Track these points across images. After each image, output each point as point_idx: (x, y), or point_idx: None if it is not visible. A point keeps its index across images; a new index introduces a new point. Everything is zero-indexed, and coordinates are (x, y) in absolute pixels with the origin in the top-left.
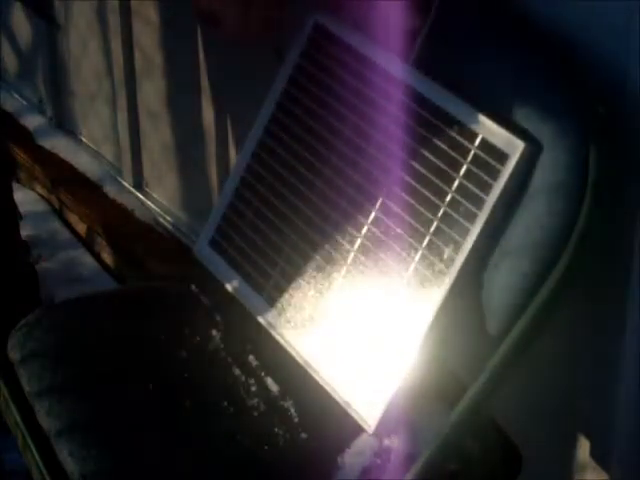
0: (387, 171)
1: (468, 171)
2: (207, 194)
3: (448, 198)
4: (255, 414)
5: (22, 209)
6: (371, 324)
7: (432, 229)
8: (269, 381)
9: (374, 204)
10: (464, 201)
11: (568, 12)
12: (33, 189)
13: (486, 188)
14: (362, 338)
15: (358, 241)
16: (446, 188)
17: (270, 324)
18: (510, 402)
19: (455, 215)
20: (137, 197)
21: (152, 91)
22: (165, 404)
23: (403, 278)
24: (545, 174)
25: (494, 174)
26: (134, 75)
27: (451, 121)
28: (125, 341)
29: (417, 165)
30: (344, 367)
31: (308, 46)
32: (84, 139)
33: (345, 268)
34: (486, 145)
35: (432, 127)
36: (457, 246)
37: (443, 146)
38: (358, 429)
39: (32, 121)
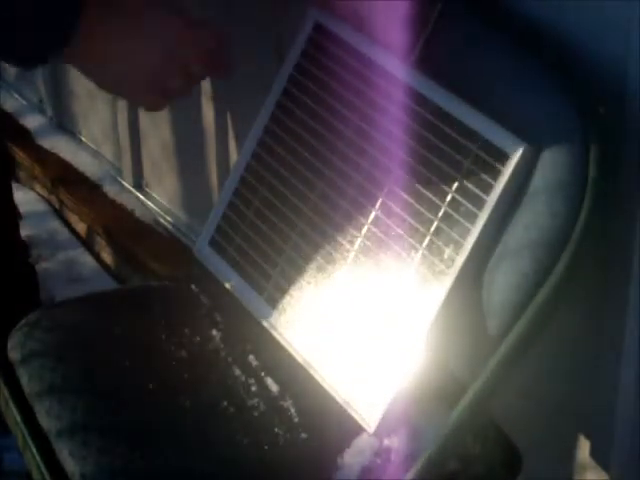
0: (387, 171)
1: (468, 171)
2: (207, 194)
3: (448, 198)
4: (255, 414)
5: (22, 209)
6: (372, 324)
7: (432, 229)
8: (269, 381)
9: (374, 204)
10: (464, 201)
11: (568, 12)
12: (33, 189)
13: (486, 188)
14: (363, 338)
15: (358, 241)
16: (446, 188)
17: (270, 324)
18: (510, 402)
19: (455, 215)
20: (137, 197)
21: None
22: (165, 404)
23: (403, 278)
24: (545, 174)
25: (494, 174)
26: None
27: (451, 121)
28: (125, 341)
29: (417, 165)
30: (345, 367)
31: (308, 45)
32: (84, 139)
33: (346, 268)
34: (486, 145)
35: (432, 127)
36: (457, 246)
37: (443, 146)
38: (358, 429)
39: (32, 121)
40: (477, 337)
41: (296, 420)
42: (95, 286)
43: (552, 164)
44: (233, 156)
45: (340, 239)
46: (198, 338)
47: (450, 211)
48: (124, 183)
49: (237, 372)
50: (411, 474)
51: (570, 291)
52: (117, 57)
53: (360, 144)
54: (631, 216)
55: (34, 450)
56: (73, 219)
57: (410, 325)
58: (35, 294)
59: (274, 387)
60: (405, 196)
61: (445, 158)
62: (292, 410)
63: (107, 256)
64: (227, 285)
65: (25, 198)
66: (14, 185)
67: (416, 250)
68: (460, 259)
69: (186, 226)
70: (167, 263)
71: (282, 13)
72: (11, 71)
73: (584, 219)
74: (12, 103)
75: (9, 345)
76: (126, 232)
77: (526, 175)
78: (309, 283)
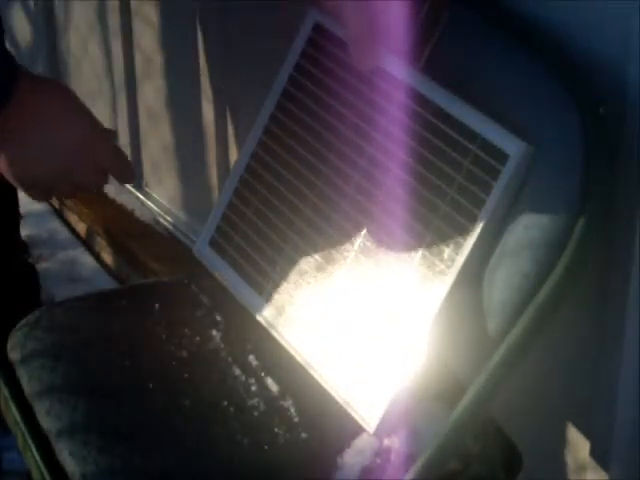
0: (387, 171)
1: (468, 171)
2: (207, 194)
3: (448, 198)
4: (255, 414)
5: (22, 209)
6: (372, 324)
7: (432, 229)
8: (269, 381)
9: (374, 204)
10: (464, 201)
11: (568, 13)
12: None
13: (486, 188)
14: (362, 338)
15: (358, 241)
16: (446, 188)
17: (270, 324)
18: (510, 402)
19: (455, 215)
20: (137, 197)
21: (152, 91)
22: (165, 404)
23: (403, 278)
24: (545, 174)
25: (494, 174)
26: (134, 75)
27: (451, 121)
28: (125, 341)
29: (417, 165)
30: (345, 367)
31: (308, 46)
32: None
33: (345, 268)
34: (486, 145)
35: (432, 127)
36: (457, 246)
37: (443, 146)
38: (358, 429)
39: None
40: (477, 337)
41: (296, 420)
42: (95, 286)
43: (552, 164)
44: (233, 156)
45: (340, 239)
46: (198, 338)
47: (450, 211)
48: None
49: (237, 372)
50: (411, 474)
51: (570, 291)
52: (33, 141)
53: (360, 144)
54: (631, 216)
55: (34, 450)
56: (73, 219)
57: (410, 325)
58: (35, 294)
59: (274, 387)
60: (405, 196)
61: (445, 158)
62: (292, 410)
63: (107, 256)
64: (220, 278)
65: (25, 198)
66: None
67: (416, 250)
68: (460, 259)
69: (186, 226)
70: (167, 263)
71: (283, 13)
72: None
73: (584, 219)
74: None
75: (9, 345)
76: (126, 232)
77: (526, 175)
78: (309, 283)
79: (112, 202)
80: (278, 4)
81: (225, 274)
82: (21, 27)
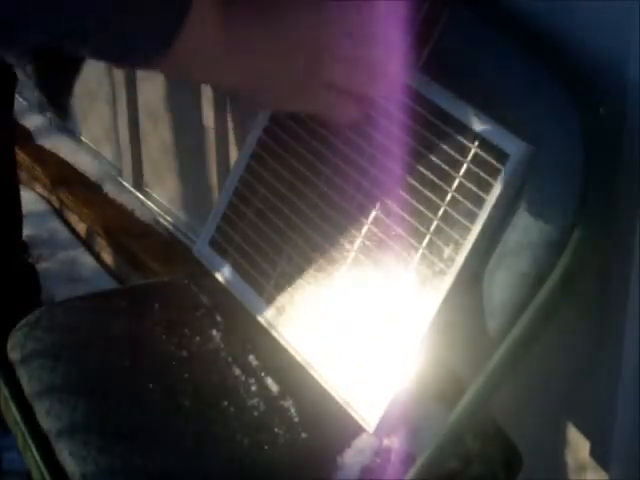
0: (387, 171)
1: (468, 170)
2: (207, 194)
3: (448, 197)
4: (255, 414)
5: (22, 209)
6: (372, 324)
7: (432, 229)
8: (269, 381)
9: (374, 204)
10: (464, 200)
11: (568, 13)
12: (33, 189)
13: (486, 187)
14: (362, 338)
15: (358, 241)
16: (446, 187)
17: (270, 324)
18: (510, 402)
19: (455, 214)
20: (137, 197)
21: (152, 91)
22: (165, 404)
23: (403, 278)
24: (545, 174)
25: (494, 173)
26: (134, 75)
27: (451, 121)
28: (125, 341)
29: (417, 165)
30: (344, 367)
31: None
32: (84, 139)
33: (345, 268)
34: (486, 144)
35: (432, 127)
36: (457, 245)
37: (443, 145)
38: (358, 429)
39: (32, 121)
40: (477, 337)
41: (296, 420)
42: (95, 286)
43: (552, 164)
44: (233, 156)
45: (340, 239)
46: (198, 338)
47: (450, 210)
48: (124, 183)
49: (237, 372)
50: (411, 474)
51: (570, 291)
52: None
53: (360, 143)
54: (631, 216)
55: (34, 450)
56: (73, 219)
57: (410, 324)
58: (35, 294)
59: (274, 387)
60: (405, 195)
61: (445, 157)
62: (292, 410)
63: (107, 256)
64: (220, 278)
65: (25, 198)
66: None
67: (416, 250)
68: (460, 258)
69: (186, 226)
70: (167, 263)
71: None
72: None
73: (584, 219)
74: None
75: (9, 345)
76: (126, 232)
77: (525, 174)
78: (309, 283)
79: (112, 202)
80: None
81: (225, 274)
82: None
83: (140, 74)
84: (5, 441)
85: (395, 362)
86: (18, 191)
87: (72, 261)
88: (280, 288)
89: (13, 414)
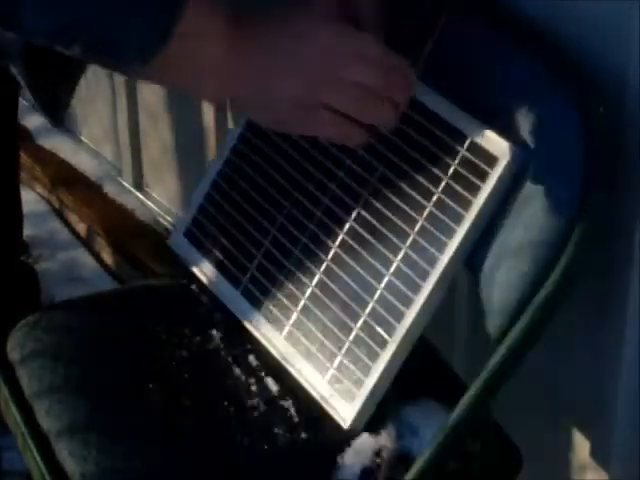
0: (372, 170)
1: (456, 173)
2: None
3: (434, 198)
4: (255, 414)
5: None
6: (351, 320)
7: (417, 229)
8: (269, 381)
9: (358, 202)
10: (451, 202)
11: (568, 13)
12: (33, 189)
13: (474, 190)
14: (341, 334)
15: (340, 238)
16: (433, 189)
17: (245, 317)
18: (510, 402)
19: (441, 215)
20: (137, 197)
21: (152, 91)
22: (165, 404)
23: (385, 276)
24: (545, 174)
25: (482, 176)
26: None
27: (440, 123)
28: (125, 341)
29: (404, 165)
30: (322, 362)
31: None
32: (84, 139)
33: (325, 264)
34: (475, 147)
35: (420, 128)
36: (442, 246)
37: (431, 147)
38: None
39: (32, 121)
40: (477, 337)
41: (296, 420)
42: (95, 286)
43: (552, 164)
44: None
45: (321, 235)
46: (198, 338)
47: (436, 211)
48: (124, 183)
49: (237, 372)
50: (411, 474)
51: (570, 291)
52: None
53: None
54: (631, 216)
55: (34, 450)
56: (73, 219)
57: (390, 322)
58: (35, 294)
59: (274, 387)
60: (389, 195)
61: (432, 159)
62: (292, 410)
63: (107, 256)
64: (195, 270)
65: (25, 198)
66: None
67: (399, 249)
68: (444, 259)
69: None
70: (167, 263)
71: None
72: None
73: (584, 219)
74: None
75: (9, 345)
76: (126, 232)
77: (516, 178)
78: (287, 278)
79: (112, 202)
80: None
81: (200, 266)
82: None
83: None
84: (5, 441)
85: (374, 358)
86: (18, 191)
87: (72, 261)
88: (257, 282)
89: (13, 414)
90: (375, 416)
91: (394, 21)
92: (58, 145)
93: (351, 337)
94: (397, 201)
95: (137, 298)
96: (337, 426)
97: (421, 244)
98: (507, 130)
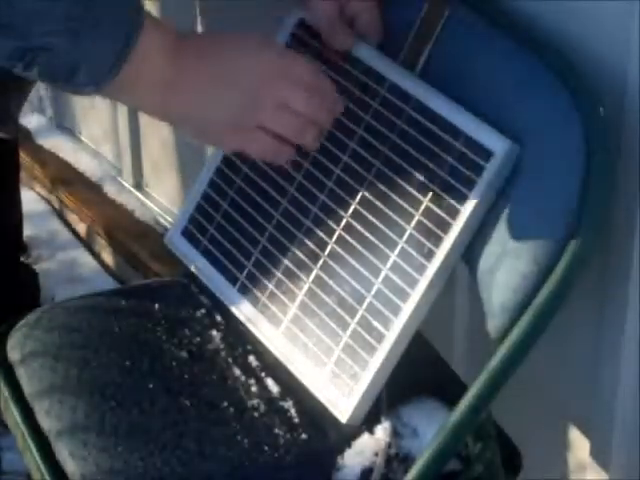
0: (369, 165)
1: (451, 167)
2: None
3: (430, 193)
4: (255, 414)
5: (22, 209)
6: (348, 316)
7: (413, 223)
8: (269, 381)
9: (354, 197)
10: (447, 196)
11: (568, 13)
12: (33, 189)
13: (469, 184)
14: (339, 330)
15: (336, 233)
16: (429, 183)
17: (243, 314)
18: (510, 402)
19: (437, 210)
20: (137, 197)
21: None
22: (165, 404)
23: (382, 271)
24: (545, 174)
25: (478, 170)
26: None
27: (436, 118)
28: (125, 341)
29: (400, 160)
30: (320, 357)
31: (291, 41)
32: (84, 139)
33: (322, 260)
34: (470, 142)
35: (416, 123)
36: (438, 240)
37: (427, 142)
38: (358, 429)
39: (32, 121)
40: (477, 337)
41: (296, 420)
42: (95, 286)
43: (552, 164)
44: None
45: (317, 232)
46: (198, 338)
47: (432, 206)
48: (124, 183)
49: (237, 372)
50: (411, 474)
51: (570, 291)
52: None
53: (341, 138)
54: (631, 216)
55: (34, 450)
56: (73, 219)
57: (387, 318)
58: (35, 294)
59: (274, 387)
60: (385, 190)
61: (428, 154)
62: (292, 410)
63: (107, 256)
64: (192, 268)
65: (25, 198)
66: None
67: (395, 244)
68: (441, 253)
69: None
70: (167, 263)
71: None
72: None
73: (584, 219)
74: None
75: (9, 345)
76: (126, 232)
77: (511, 172)
78: (284, 274)
79: (112, 202)
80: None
81: (197, 264)
82: None
83: None
84: (5, 441)
85: (372, 353)
86: (18, 191)
87: (72, 261)
88: (254, 279)
89: (13, 414)
90: (374, 414)
91: (393, 21)
92: (58, 145)
93: (348, 332)
94: (393, 196)
95: (137, 298)
96: (337, 426)
97: (417, 239)
98: (506, 129)
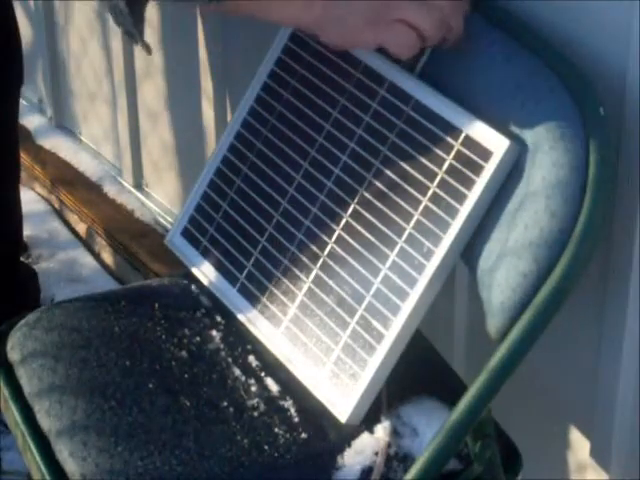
0: (368, 165)
1: (451, 167)
2: None
3: (430, 193)
4: (255, 414)
5: (22, 209)
6: (347, 315)
7: (412, 223)
8: (269, 381)
9: (353, 198)
10: (446, 196)
11: (569, 13)
12: (33, 189)
13: (468, 183)
14: (338, 330)
15: (336, 234)
16: (428, 183)
17: (243, 315)
18: (510, 402)
19: (436, 209)
20: (137, 197)
21: (152, 91)
22: (165, 404)
23: (381, 271)
24: (545, 174)
25: (477, 170)
26: (134, 75)
27: (435, 118)
28: (125, 341)
29: (399, 160)
30: (319, 357)
31: (284, 54)
32: (84, 139)
33: (322, 260)
34: (470, 142)
35: (415, 123)
36: (437, 239)
37: (426, 141)
38: (358, 429)
39: (32, 121)
40: (477, 337)
41: (296, 420)
42: (95, 286)
43: (552, 164)
44: None
45: (317, 231)
46: (198, 338)
47: (431, 205)
48: (124, 183)
49: (237, 372)
50: (411, 474)
51: (570, 291)
52: None
53: (341, 138)
54: (631, 216)
55: (34, 450)
56: (73, 219)
57: (386, 316)
58: (35, 294)
59: (274, 387)
60: (385, 190)
61: (427, 154)
62: (292, 410)
63: (107, 256)
64: (192, 268)
65: (25, 198)
66: None
67: (395, 243)
68: (440, 252)
69: None
70: (167, 263)
71: None
72: None
73: (584, 219)
74: None
75: (9, 345)
76: (126, 232)
77: (511, 172)
78: (284, 275)
79: (112, 202)
80: None
81: (197, 264)
82: (21, 27)
83: (140, 73)
84: (5, 441)
85: (371, 353)
86: (18, 191)
87: (72, 261)
88: (254, 279)
89: (13, 414)
90: (373, 414)
91: None
92: (58, 145)
93: (348, 331)
94: (393, 196)
95: (137, 298)
96: (337, 426)
97: (417, 238)
98: (506, 129)
